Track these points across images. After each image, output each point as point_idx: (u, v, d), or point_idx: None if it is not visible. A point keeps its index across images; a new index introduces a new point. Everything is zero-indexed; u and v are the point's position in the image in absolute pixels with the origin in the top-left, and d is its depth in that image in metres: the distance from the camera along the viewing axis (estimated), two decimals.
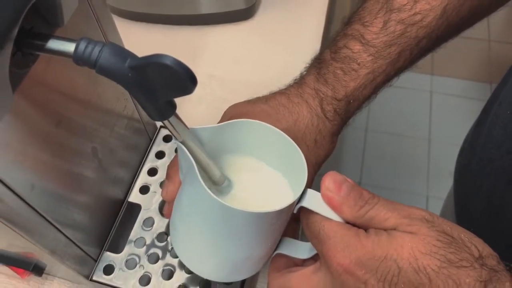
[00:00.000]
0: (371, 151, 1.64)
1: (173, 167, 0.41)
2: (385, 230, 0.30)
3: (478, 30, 1.82)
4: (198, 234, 0.37)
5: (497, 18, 1.88)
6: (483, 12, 0.46)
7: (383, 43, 0.42)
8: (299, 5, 0.71)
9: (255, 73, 0.64)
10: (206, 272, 0.40)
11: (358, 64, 0.42)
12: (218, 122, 0.42)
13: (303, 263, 0.37)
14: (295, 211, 0.34)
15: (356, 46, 0.43)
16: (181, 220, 0.38)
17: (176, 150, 0.53)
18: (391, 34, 0.42)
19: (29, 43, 0.28)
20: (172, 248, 0.47)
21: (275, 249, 0.38)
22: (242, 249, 0.36)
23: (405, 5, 0.42)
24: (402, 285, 0.29)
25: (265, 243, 0.36)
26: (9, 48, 0.25)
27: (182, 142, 0.33)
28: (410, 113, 1.71)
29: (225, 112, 0.44)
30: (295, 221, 0.38)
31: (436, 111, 1.71)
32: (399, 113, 1.71)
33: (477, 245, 0.29)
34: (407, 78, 1.78)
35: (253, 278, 0.48)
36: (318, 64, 0.44)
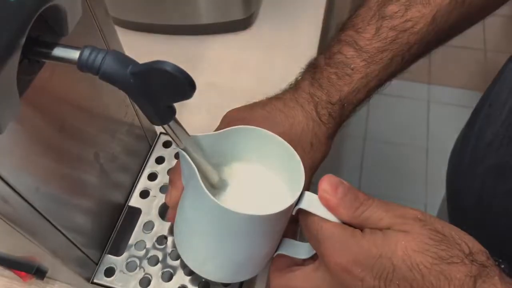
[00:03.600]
0: (369, 160, 1.65)
1: (175, 172, 0.42)
2: (380, 229, 0.31)
3: (474, 40, 1.84)
4: (201, 237, 0.38)
5: (493, 28, 1.90)
6: (471, 20, 0.47)
7: (375, 49, 0.43)
8: (296, 15, 0.73)
9: (253, 81, 0.66)
10: (209, 273, 0.41)
11: (352, 69, 0.43)
12: (217, 127, 0.44)
13: (303, 262, 0.38)
14: (293, 213, 0.35)
15: (349, 52, 0.44)
16: (184, 223, 0.39)
17: (175, 156, 0.54)
18: (383, 40, 0.43)
19: (35, 51, 0.29)
20: (172, 251, 0.47)
21: (276, 250, 0.39)
22: (243, 251, 0.37)
23: (396, 12, 0.44)
24: (397, 282, 0.30)
25: (266, 245, 0.37)
26: (17, 55, 0.26)
27: (184, 149, 0.34)
28: (407, 122, 1.72)
29: (223, 117, 0.45)
30: (294, 223, 0.39)
31: (433, 119, 1.73)
32: (397, 122, 1.72)
33: (468, 242, 0.30)
34: (404, 88, 1.79)
35: (251, 282, 0.49)
36: (312, 69, 0.45)
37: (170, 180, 0.43)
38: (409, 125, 1.72)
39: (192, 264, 0.41)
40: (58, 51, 0.29)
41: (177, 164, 0.42)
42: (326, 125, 0.43)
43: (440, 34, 0.45)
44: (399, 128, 1.71)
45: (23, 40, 0.27)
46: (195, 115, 0.62)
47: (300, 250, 0.38)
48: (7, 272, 0.47)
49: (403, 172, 1.61)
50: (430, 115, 1.74)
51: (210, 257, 0.39)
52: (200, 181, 0.33)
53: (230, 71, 0.68)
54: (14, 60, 0.26)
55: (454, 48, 1.82)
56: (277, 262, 0.39)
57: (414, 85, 1.78)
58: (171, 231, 0.49)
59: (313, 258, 0.37)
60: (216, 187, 0.38)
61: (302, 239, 0.38)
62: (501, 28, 1.92)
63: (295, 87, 0.45)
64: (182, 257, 0.41)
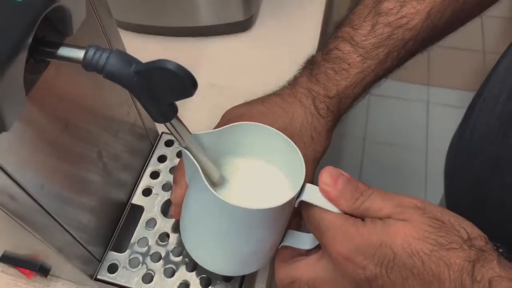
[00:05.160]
0: (369, 161, 1.65)
1: (179, 171, 0.43)
2: (380, 219, 0.32)
3: (473, 41, 1.84)
4: (207, 233, 0.39)
5: (491, 30, 1.91)
6: (465, 16, 0.48)
7: (371, 45, 0.44)
8: (295, 17, 0.74)
9: (253, 82, 0.66)
10: (217, 267, 0.42)
11: (349, 64, 0.44)
12: (216, 125, 0.45)
13: (307, 253, 0.38)
14: (296, 205, 0.36)
15: (346, 48, 0.45)
16: (190, 220, 0.40)
17: (177, 154, 0.55)
18: (379, 36, 0.44)
19: (41, 50, 0.30)
20: (174, 247, 0.48)
21: (281, 242, 0.40)
22: (248, 244, 0.38)
23: (391, 9, 0.45)
24: (398, 269, 0.31)
25: (270, 237, 0.38)
26: (24, 55, 0.27)
27: (186, 148, 0.35)
28: (406, 123, 1.73)
29: (223, 115, 0.46)
30: (297, 215, 0.40)
31: (432, 121, 1.73)
32: (396, 124, 1.73)
33: (466, 228, 0.31)
34: (404, 89, 1.79)
35: (252, 278, 0.49)
36: (310, 65, 0.46)
37: (174, 179, 0.43)
38: (408, 126, 1.72)
39: (199, 259, 0.42)
40: (64, 51, 0.30)
41: (181, 163, 0.43)
42: (325, 119, 0.44)
43: (435, 30, 0.46)
44: (398, 129, 1.71)
45: (30, 40, 0.27)
46: (196, 115, 0.63)
47: (303, 241, 0.39)
48: (12, 270, 0.48)
49: (403, 173, 1.62)
50: (429, 116, 1.75)
51: (215, 252, 0.40)
52: (203, 178, 0.34)
53: (230, 72, 0.69)
54: (21, 59, 0.27)
55: (453, 49, 1.83)
56: (282, 254, 0.39)
57: (413, 87, 1.79)
58: (173, 228, 0.50)
59: (317, 248, 0.37)
60: (217, 184, 0.39)
61: (306, 230, 0.39)
62: (499, 29, 1.93)
63: (293, 83, 0.46)
64: (189, 252, 0.42)
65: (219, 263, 0.41)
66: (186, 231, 0.41)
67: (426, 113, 1.75)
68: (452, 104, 1.75)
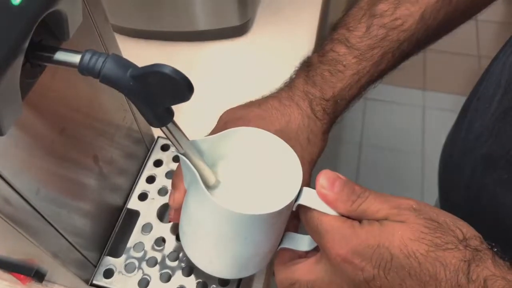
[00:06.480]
0: (365, 166, 1.66)
1: (177, 176, 0.43)
2: (377, 220, 0.33)
3: (468, 46, 1.85)
4: (206, 237, 0.39)
5: (486, 34, 1.92)
6: (459, 18, 0.49)
7: (366, 46, 0.45)
8: (291, 22, 0.74)
9: (250, 87, 0.66)
10: (217, 271, 0.42)
11: (344, 66, 0.45)
12: (214, 127, 0.45)
13: (306, 255, 0.39)
14: (294, 209, 0.36)
15: (341, 49, 0.45)
16: (189, 225, 0.40)
17: (174, 159, 0.55)
18: (374, 37, 0.45)
19: (38, 55, 0.30)
20: (170, 252, 0.48)
21: (279, 244, 0.40)
22: (248, 248, 0.38)
23: (386, 11, 0.45)
24: (395, 270, 0.31)
25: (269, 241, 0.38)
26: (20, 59, 0.27)
27: (184, 154, 0.35)
28: (403, 127, 1.74)
29: (220, 117, 0.46)
30: (295, 217, 0.40)
31: (428, 125, 1.74)
32: (393, 128, 1.73)
33: (461, 228, 0.31)
34: (400, 93, 1.80)
35: (249, 280, 0.49)
36: (306, 67, 0.47)
37: (173, 183, 0.43)
38: (404, 130, 1.73)
39: (198, 263, 0.42)
40: (60, 55, 0.30)
41: (179, 167, 0.43)
42: (321, 121, 0.44)
43: (429, 31, 0.46)
44: (394, 134, 1.72)
45: (27, 44, 0.27)
46: (192, 119, 0.62)
47: (301, 243, 0.39)
48: (7, 275, 0.48)
49: (399, 178, 1.62)
50: (425, 120, 1.76)
51: (214, 255, 0.40)
52: (202, 184, 0.34)
53: (226, 76, 0.69)
54: (18, 63, 0.27)
55: (448, 54, 1.84)
56: (281, 256, 0.40)
57: (409, 91, 1.79)
58: (169, 233, 0.49)
59: (316, 249, 0.38)
60: (214, 188, 0.39)
61: (304, 232, 0.39)
62: (494, 34, 1.95)
63: (290, 85, 0.47)
64: (189, 256, 0.42)
65: (217, 266, 0.41)
66: (186, 235, 0.41)
67: (422, 118, 1.76)
68: (447, 108, 1.76)
